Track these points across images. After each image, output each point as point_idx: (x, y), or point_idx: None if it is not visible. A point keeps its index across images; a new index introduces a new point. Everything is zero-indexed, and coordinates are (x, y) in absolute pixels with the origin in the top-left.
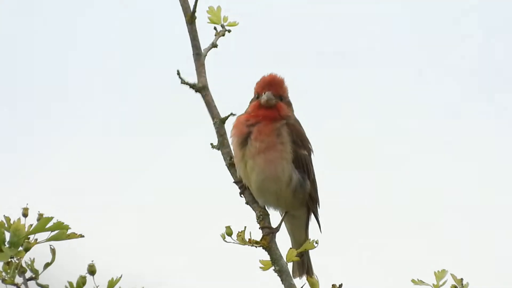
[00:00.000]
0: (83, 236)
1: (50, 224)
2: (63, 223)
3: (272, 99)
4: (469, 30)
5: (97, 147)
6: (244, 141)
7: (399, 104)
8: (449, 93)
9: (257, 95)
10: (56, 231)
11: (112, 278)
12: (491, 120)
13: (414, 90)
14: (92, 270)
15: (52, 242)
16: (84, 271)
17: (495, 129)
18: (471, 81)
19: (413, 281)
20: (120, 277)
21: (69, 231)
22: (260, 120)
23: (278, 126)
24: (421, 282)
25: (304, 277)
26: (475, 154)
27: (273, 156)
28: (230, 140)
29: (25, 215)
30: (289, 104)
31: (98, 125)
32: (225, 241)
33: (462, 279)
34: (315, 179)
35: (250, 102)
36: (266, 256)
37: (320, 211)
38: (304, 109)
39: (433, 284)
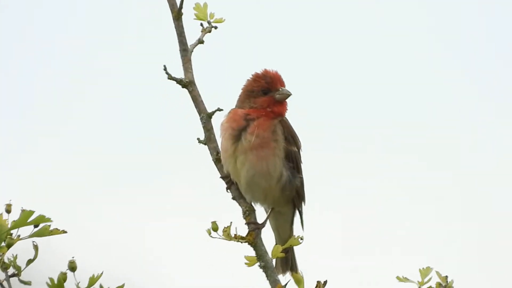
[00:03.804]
0: (66, 232)
1: (32, 218)
2: (44, 216)
3: (291, 94)
4: None
5: (81, 143)
6: (238, 134)
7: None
8: None
9: (266, 90)
10: (38, 227)
11: (93, 275)
12: None
13: None
14: (73, 267)
15: (35, 238)
16: (65, 268)
17: None
18: None
19: (398, 278)
20: (101, 273)
21: (51, 227)
22: (263, 115)
23: (275, 123)
24: (406, 280)
25: (288, 274)
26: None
27: (265, 153)
28: (220, 133)
29: (8, 211)
30: None
31: (83, 122)
32: (211, 236)
33: (447, 276)
34: (302, 176)
35: (249, 97)
36: (251, 252)
37: (304, 208)
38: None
39: (418, 281)
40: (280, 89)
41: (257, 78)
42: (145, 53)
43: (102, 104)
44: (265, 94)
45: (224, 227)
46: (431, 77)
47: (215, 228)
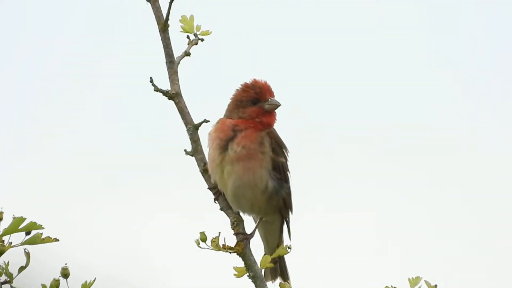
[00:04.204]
0: (58, 240)
1: (23, 224)
2: (36, 223)
3: (280, 105)
4: None
5: (81, 143)
6: (225, 144)
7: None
8: None
9: (255, 101)
10: (30, 235)
11: (86, 282)
12: None
13: None
14: (65, 273)
15: (26, 246)
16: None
17: None
18: None
19: (387, 287)
20: (94, 280)
21: (44, 235)
22: (251, 126)
23: (262, 134)
24: None
25: (277, 282)
26: None
27: (252, 164)
28: (207, 143)
29: None
30: None
31: (83, 122)
32: (200, 247)
33: (436, 285)
34: (289, 186)
35: (238, 107)
36: (240, 262)
37: (292, 217)
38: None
39: None
40: (269, 100)
41: (246, 88)
42: (131, 65)
43: (102, 104)
44: (254, 104)
45: (213, 238)
46: (430, 78)
47: (203, 238)
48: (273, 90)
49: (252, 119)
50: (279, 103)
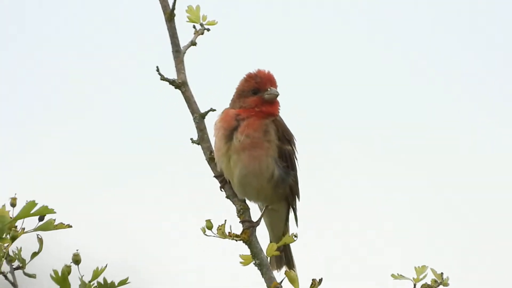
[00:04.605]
0: (71, 227)
1: (35, 209)
2: (48, 207)
3: (278, 95)
4: None
5: (81, 143)
6: (230, 134)
7: None
8: None
9: (256, 91)
10: (43, 221)
11: (97, 268)
12: None
13: None
14: (77, 260)
15: (39, 232)
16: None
17: None
18: None
19: (393, 275)
20: (105, 266)
21: (56, 221)
22: (253, 115)
23: (266, 122)
24: (401, 277)
25: (283, 270)
26: None
27: (258, 153)
28: (213, 133)
29: (13, 205)
30: None
31: (83, 122)
32: (205, 234)
33: (442, 273)
34: (296, 173)
35: (240, 97)
36: (246, 250)
37: (299, 204)
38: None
39: (413, 278)
40: (269, 89)
41: (248, 78)
42: (138, 54)
43: (108, 94)
44: (255, 94)
45: (219, 225)
46: (430, 79)
47: (209, 226)
48: (275, 80)
49: (252, 109)
50: (277, 92)
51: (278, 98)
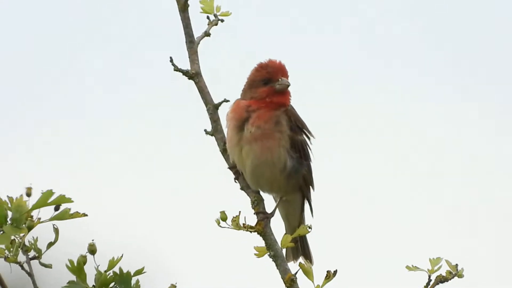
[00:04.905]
0: (86, 215)
1: (52, 198)
2: (65, 196)
3: (290, 85)
4: None
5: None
6: (241, 125)
7: None
8: None
9: (266, 81)
10: (59, 211)
11: (113, 257)
12: None
13: None
14: (92, 250)
15: (55, 221)
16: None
17: None
18: None
19: (407, 267)
20: (121, 256)
21: (72, 210)
22: (263, 107)
23: (278, 113)
24: (415, 268)
25: (300, 260)
26: None
27: (270, 144)
28: (225, 124)
29: (28, 194)
30: None
31: (94, 110)
32: (220, 226)
33: (457, 265)
34: (310, 163)
35: (251, 88)
36: (261, 241)
37: (313, 194)
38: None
39: (428, 270)
40: (280, 79)
41: (259, 68)
42: (151, 45)
43: (121, 83)
44: (266, 84)
45: (233, 217)
46: (430, 79)
47: (224, 218)
48: (287, 70)
49: (263, 99)
50: (288, 82)
51: (290, 88)
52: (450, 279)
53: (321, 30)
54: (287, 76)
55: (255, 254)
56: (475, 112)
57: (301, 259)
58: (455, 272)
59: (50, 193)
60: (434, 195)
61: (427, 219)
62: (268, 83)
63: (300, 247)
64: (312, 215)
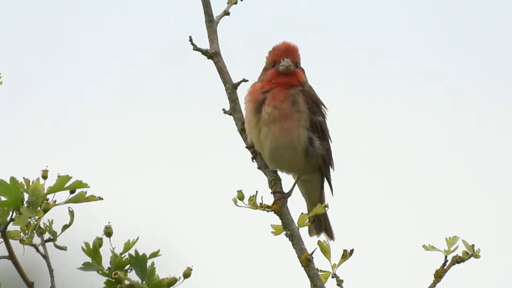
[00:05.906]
0: (102, 199)
1: (69, 183)
2: (82, 181)
3: (291, 66)
4: None
5: (110, 115)
6: (259, 107)
7: None
8: None
9: (273, 63)
10: (75, 193)
11: (129, 240)
12: None
13: None
14: (108, 232)
15: (70, 204)
16: (101, 233)
17: None
18: None
19: (424, 247)
20: (137, 239)
21: (88, 194)
22: (275, 87)
23: (293, 92)
24: (432, 248)
25: (322, 236)
26: None
27: (289, 124)
28: (243, 107)
29: (44, 177)
30: (302, 71)
31: (111, 93)
32: (237, 205)
33: (473, 245)
34: (329, 143)
35: (264, 71)
36: (277, 221)
37: (333, 174)
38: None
39: (444, 250)
40: (282, 61)
41: (271, 50)
42: (171, 24)
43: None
44: (273, 67)
45: (250, 196)
46: (430, 80)
47: (241, 197)
48: (294, 50)
49: (270, 81)
50: (288, 63)
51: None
52: (467, 260)
53: (345, 7)
54: (292, 57)
55: (271, 232)
56: None
57: (323, 235)
58: (471, 253)
59: (67, 177)
60: (452, 175)
61: (445, 200)
62: (275, 65)
63: (323, 222)
64: (332, 194)
